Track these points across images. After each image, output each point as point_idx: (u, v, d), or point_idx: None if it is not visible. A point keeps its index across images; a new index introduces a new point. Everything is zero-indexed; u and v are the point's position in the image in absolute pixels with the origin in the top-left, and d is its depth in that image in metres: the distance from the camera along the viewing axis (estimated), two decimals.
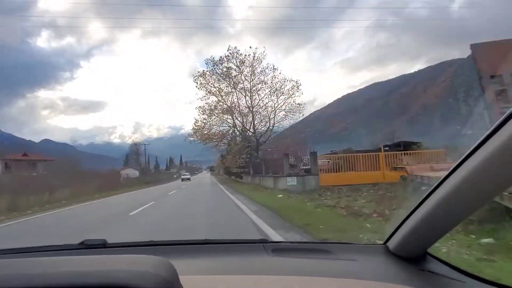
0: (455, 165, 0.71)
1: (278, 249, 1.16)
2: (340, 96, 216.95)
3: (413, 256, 0.99)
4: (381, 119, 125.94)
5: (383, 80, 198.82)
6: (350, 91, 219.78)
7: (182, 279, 0.61)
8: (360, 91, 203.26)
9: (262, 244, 1.17)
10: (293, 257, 1.11)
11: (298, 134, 26.14)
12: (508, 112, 0.57)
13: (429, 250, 0.99)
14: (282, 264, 1.04)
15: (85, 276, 0.54)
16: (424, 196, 0.84)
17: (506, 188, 0.72)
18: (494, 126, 0.60)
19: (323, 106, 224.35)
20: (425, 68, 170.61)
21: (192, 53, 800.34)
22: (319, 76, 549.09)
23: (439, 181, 0.78)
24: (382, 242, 1.12)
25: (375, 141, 25.79)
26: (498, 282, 0.84)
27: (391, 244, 1.05)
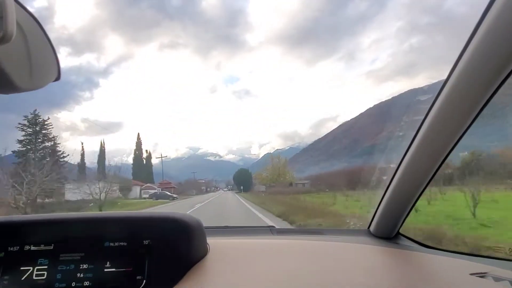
0: (400, 160, 1.00)
1: (281, 232, 1.48)
2: (371, 106, 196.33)
3: (388, 236, 1.28)
4: None
5: (419, 87, 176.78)
6: (375, 103, 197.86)
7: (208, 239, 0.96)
8: (394, 99, 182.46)
9: (270, 229, 1.48)
10: (292, 237, 1.40)
11: None
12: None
13: (401, 231, 1.28)
14: (283, 241, 1.26)
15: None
16: (387, 184, 1.11)
17: (432, 177, 0.97)
18: (417, 128, 0.89)
19: (351, 118, 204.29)
20: None
21: (212, 68, 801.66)
22: (343, 89, 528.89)
23: (393, 173, 1.06)
24: (366, 227, 1.38)
25: None
26: (449, 249, 1.14)
27: (372, 227, 1.32)
